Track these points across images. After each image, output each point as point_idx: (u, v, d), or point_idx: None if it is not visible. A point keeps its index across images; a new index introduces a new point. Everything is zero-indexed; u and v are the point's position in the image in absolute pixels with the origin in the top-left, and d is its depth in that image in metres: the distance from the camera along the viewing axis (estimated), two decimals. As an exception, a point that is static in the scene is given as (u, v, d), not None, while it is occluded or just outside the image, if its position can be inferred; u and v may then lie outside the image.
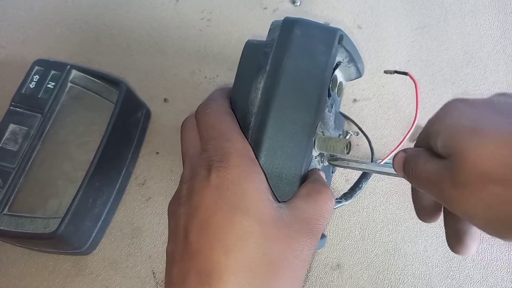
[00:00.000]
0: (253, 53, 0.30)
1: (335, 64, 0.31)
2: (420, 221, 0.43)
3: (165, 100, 0.50)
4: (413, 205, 0.29)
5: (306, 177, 0.28)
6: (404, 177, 0.27)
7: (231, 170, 0.24)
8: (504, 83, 0.50)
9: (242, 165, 0.24)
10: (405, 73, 0.34)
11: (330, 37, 0.29)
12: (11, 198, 0.39)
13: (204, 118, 0.28)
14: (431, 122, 0.24)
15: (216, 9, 0.55)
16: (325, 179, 0.29)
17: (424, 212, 0.29)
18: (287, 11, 0.55)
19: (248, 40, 0.31)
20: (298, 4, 0.55)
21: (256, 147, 0.26)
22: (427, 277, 0.41)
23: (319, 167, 0.32)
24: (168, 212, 0.27)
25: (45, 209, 0.39)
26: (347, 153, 0.28)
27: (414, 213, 0.44)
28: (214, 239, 0.23)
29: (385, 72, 0.36)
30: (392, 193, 0.45)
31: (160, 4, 0.56)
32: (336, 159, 0.30)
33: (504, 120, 0.20)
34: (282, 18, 0.30)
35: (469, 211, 0.21)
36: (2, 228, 0.38)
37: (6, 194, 0.38)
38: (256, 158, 0.26)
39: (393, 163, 0.27)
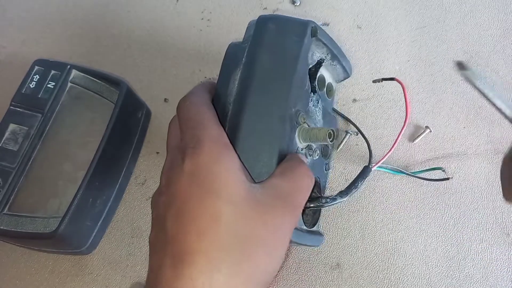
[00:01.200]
0: (233, 52, 0.32)
1: (316, 61, 0.32)
2: (420, 221, 0.44)
3: (165, 100, 0.50)
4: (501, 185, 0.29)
5: None
6: None
7: (203, 156, 0.24)
8: (503, 83, 0.50)
9: (214, 150, 0.25)
10: (392, 79, 0.35)
11: (302, 29, 0.30)
12: (11, 198, 0.39)
13: (183, 110, 0.29)
14: None
15: (216, 9, 0.55)
16: (304, 160, 0.29)
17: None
18: (286, 11, 0.55)
19: (231, 42, 0.33)
20: (297, 4, 0.55)
21: (233, 133, 0.27)
22: (427, 277, 0.41)
23: (308, 160, 0.32)
24: (151, 204, 0.28)
25: (45, 209, 0.39)
26: (331, 141, 0.29)
27: (414, 212, 0.44)
28: (188, 224, 0.23)
29: (374, 81, 0.37)
30: (391, 193, 0.45)
31: (160, 4, 0.56)
32: None
33: None
34: None
35: None
36: (2, 227, 0.38)
37: (6, 193, 0.39)
38: (234, 143, 0.27)
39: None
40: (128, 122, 0.44)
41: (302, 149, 0.31)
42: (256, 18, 0.32)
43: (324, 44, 0.33)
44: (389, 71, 0.51)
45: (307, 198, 0.27)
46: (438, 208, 0.44)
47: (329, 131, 0.29)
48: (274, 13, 0.31)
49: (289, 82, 0.28)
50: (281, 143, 0.28)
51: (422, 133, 0.46)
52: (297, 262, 0.42)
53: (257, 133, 0.27)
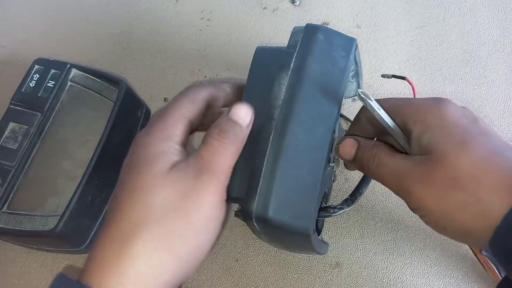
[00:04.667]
0: (264, 56, 0.32)
1: None
2: (419, 220, 0.43)
3: (165, 99, 0.50)
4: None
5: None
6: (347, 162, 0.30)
7: (142, 135, 0.28)
8: (503, 82, 0.50)
9: (152, 131, 0.28)
10: (402, 78, 0.35)
11: (349, 44, 0.31)
12: (10, 196, 0.39)
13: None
14: (420, 112, 0.26)
15: (216, 9, 0.55)
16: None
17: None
18: (286, 11, 0.55)
19: (258, 47, 0.33)
20: (297, 4, 0.55)
21: (281, 136, 0.27)
22: (425, 276, 0.41)
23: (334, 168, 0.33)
24: None
25: (44, 207, 0.39)
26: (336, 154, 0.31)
27: (413, 212, 0.44)
28: (113, 196, 0.27)
29: (383, 76, 0.37)
30: (391, 192, 0.45)
31: (160, 4, 0.56)
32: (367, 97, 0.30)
33: (486, 142, 0.24)
34: (290, 21, 0.32)
35: (426, 204, 0.25)
36: (1, 226, 0.38)
37: (5, 192, 0.39)
38: (281, 148, 0.27)
39: (338, 149, 0.30)
40: (127, 121, 0.44)
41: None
42: (297, 25, 0.32)
43: (356, 62, 0.33)
44: (388, 71, 0.51)
45: (229, 159, 0.27)
46: (437, 207, 0.44)
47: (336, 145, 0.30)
48: (322, 24, 0.32)
49: (337, 93, 0.29)
50: (328, 152, 0.29)
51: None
52: (296, 261, 0.42)
53: (306, 141, 0.28)
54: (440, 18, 0.54)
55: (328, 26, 0.32)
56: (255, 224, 0.27)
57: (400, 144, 0.29)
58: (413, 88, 0.35)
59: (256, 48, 0.33)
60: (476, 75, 0.51)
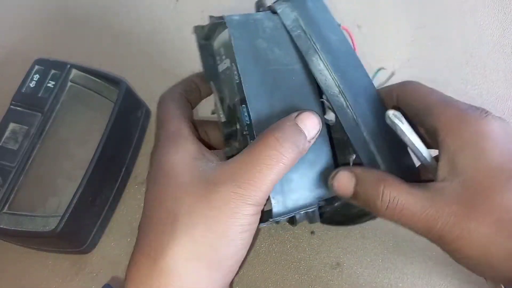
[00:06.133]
0: (246, 32, 0.33)
1: None
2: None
3: (165, 99, 0.50)
4: None
5: None
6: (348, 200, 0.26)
7: (157, 151, 0.27)
8: (503, 82, 0.50)
9: (166, 144, 0.27)
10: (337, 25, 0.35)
11: (322, 3, 0.32)
12: (11, 197, 0.39)
13: (157, 108, 0.32)
14: (458, 122, 0.23)
15: (216, 9, 0.55)
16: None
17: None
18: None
19: (226, 17, 0.33)
20: (297, 4, 0.55)
21: (369, 120, 0.28)
22: (427, 276, 0.41)
23: None
24: None
25: (44, 208, 0.39)
26: None
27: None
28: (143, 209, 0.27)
29: None
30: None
31: (160, 4, 0.56)
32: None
33: None
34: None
35: (466, 252, 0.22)
36: (1, 226, 0.38)
37: (6, 192, 0.38)
38: (376, 128, 0.27)
39: (332, 185, 0.25)
40: (127, 121, 0.44)
41: None
42: None
43: None
44: (388, 71, 0.51)
45: (277, 175, 0.24)
46: (438, 207, 0.44)
47: None
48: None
49: (353, 51, 0.30)
50: None
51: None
52: (297, 261, 0.42)
53: (377, 106, 0.29)
54: (440, 18, 0.54)
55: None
56: None
57: (423, 164, 0.26)
58: (350, 36, 0.36)
59: (226, 19, 0.33)
60: (476, 75, 0.51)
